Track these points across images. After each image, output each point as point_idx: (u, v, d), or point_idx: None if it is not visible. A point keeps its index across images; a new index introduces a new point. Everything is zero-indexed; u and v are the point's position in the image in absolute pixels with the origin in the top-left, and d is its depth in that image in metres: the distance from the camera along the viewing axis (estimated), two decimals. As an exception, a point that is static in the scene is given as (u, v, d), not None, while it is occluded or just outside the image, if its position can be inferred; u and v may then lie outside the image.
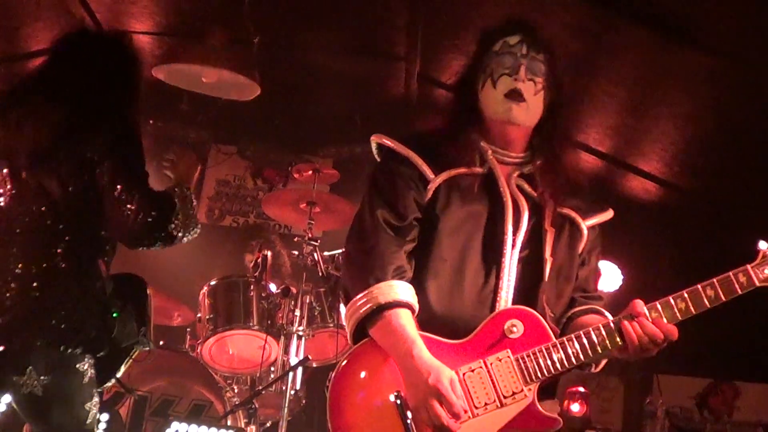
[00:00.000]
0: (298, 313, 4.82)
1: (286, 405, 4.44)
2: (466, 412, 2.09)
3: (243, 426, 4.61)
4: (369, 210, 2.30)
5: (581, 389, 6.09)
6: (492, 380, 2.14)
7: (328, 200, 5.43)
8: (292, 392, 4.56)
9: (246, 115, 6.38)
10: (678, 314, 2.16)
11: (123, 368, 2.84)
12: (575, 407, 6.06)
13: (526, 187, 2.36)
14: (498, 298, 2.24)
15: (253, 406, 4.57)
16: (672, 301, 2.17)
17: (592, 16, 4.68)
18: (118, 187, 2.59)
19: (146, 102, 3.01)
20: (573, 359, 2.16)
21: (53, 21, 5.41)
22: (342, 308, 2.35)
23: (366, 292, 2.18)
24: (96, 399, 2.68)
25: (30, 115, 2.72)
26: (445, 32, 5.34)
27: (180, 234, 2.71)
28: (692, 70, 4.76)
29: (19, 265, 2.59)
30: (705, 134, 5.34)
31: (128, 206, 2.59)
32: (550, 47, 2.38)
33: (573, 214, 2.38)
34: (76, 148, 2.63)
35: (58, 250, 2.62)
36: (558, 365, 2.15)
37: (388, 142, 2.38)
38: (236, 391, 5.05)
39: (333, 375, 2.19)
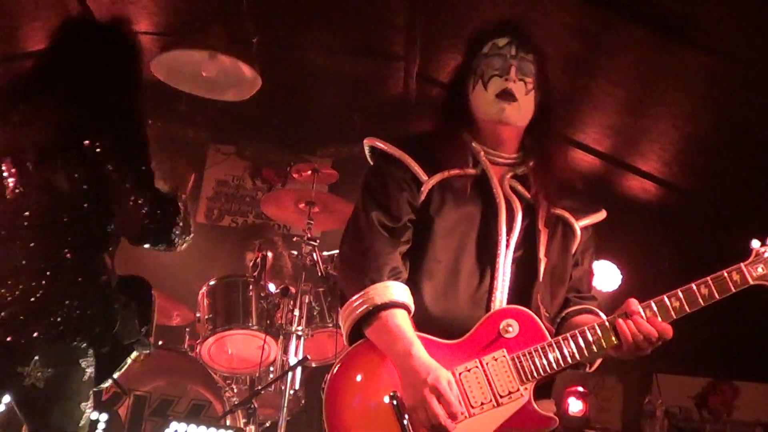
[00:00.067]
0: (297, 312, 4.81)
1: (285, 405, 4.44)
2: (462, 413, 2.09)
3: (242, 426, 4.60)
4: (363, 212, 2.31)
5: (580, 389, 6.08)
6: (488, 380, 2.15)
7: (327, 200, 5.42)
8: (291, 392, 4.56)
9: (245, 115, 6.37)
10: (672, 313, 2.17)
11: (122, 369, 2.84)
12: (574, 407, 6.05)
13: (520, 188, 2.36)
14: (493, 299, 2.24)
15: (252, 406, 4.57)
16: (666, 299, 2.18)
17: (592, 16, 4.68)
18: (128, 185, 2.62)
19: (146, 102, 3.02)
20: (569, 358, 2.16)
21: (51, 21, 5.41)
22: (343, 309, 2.36)
23: (362, 293, 2.19)
24: (91, 401, 2.68)
25: (36, 111, 2.72)
26: (444, 32, 5.34)
27: (179, 240, 2.75)
28: (691, 69, 4.77)
29: (26, 259, 2.60)
30: (704, 134, 5.35)
31: (140, 203, 2.62)
32: (538, 47, 2.39)
33: (566, 214, 2.39)
34: (84, 144, 2.64)
35: (64, 244, 2.63)
36: (554, 364, 2.16)
37: (380, 144, 2.39)
38: (235, 391, 5.04)
39: (328, 376, 2.19)
